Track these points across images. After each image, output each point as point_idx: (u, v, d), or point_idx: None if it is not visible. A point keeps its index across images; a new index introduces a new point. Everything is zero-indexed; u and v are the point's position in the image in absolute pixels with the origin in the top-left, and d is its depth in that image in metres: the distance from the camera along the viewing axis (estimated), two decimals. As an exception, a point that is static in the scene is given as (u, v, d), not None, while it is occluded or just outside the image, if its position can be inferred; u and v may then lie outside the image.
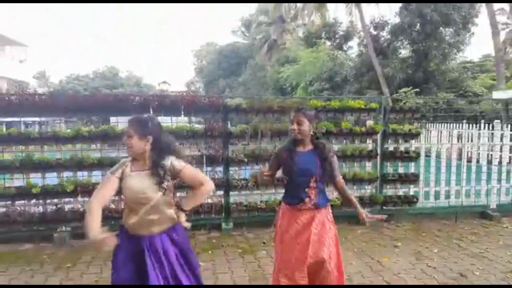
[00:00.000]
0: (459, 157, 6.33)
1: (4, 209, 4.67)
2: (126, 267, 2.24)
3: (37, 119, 5.09)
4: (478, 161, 6.55)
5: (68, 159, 4.68)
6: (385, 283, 3.55)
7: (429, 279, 3.66)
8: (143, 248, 2.21)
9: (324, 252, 2.55)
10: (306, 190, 2.61)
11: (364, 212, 2.71)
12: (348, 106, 5.23)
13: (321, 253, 2.55)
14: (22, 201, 4.73)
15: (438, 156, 6.13)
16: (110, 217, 4.54)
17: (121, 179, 2.23)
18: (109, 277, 3.61)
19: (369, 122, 5.53)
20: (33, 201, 4.74)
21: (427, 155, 6.11)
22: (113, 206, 4.84)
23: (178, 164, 2.28)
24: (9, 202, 4.69)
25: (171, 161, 2.27)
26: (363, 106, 5.25)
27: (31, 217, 4.62)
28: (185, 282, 2.26)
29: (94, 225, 2.09)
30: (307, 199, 2.62)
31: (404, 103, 5.77)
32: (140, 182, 2.21)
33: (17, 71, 27.64)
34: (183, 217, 2.34)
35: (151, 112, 4.54)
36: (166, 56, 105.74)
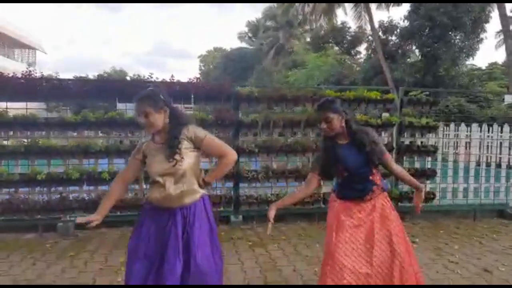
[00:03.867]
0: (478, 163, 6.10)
1: (7, 197, 4.52)
2: (148, 241, 2.09)
3: (42, 107, 4.92)
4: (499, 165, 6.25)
5: (75, 145, 4.53)
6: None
7: (452, 274, 3.45)
8: (168, 220, 2.09)
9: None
10: (371, 178, 2.36)
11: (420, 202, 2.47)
12: (363, 97, 5.05)
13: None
14: (26, 189, 4.59)
15: (455, 160, 5.92)
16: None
17: (143, 159, 2.17)
18: (114, 265, 3.51)
19: (385, 115, 5.33)
20: (38, 188, 4.58)
21: (444, 159, 5.90)
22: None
23: (200, 131, 2.15)
24: (13, 189, 4.55)
25: (192, 128, 2.13)
26: (378, 97, 5.07)
27: (35, 205, 4.46)
28: (201, 260, 2.08)
29: (101, 205, 2.19)
30: (374, 187, 2.35)
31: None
32: (160, 156, 2.09)
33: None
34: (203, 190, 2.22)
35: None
36: (172, 60, 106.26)
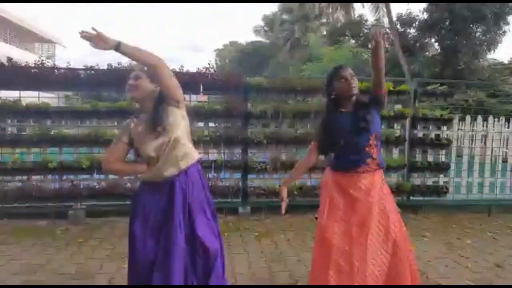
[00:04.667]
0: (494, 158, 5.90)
1: (20, 184, 4.62)
2: (149, 219, 2.07)
3: (55, 96, 4.99)
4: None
5: (86, 134, 4.59)
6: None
7: (462, 268, 3.35)
8: (167, 192, 2.08)
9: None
10: (367, 149, 2.30)
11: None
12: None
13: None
14: (38, 177, 4.68)
15: (471, 155, 5.75)
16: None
17: (130, 142, 2.12)
18: (122, 252, 3.54)
19: (398, 106, 5.21)
20: (49, 176, 4.67)
21: (459, 153, 5.74)
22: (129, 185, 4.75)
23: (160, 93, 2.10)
24: (25, 177, 4.65)
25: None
26: (391, 88, 4.95)
27: (47, 192, 4.55)
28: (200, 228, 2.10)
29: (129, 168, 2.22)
30: (369, 160, 2.30)
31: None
32: (147, 132, 2.05)
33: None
34: None
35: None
36: (187, 53, 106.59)
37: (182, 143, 2.09)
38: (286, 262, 3.44)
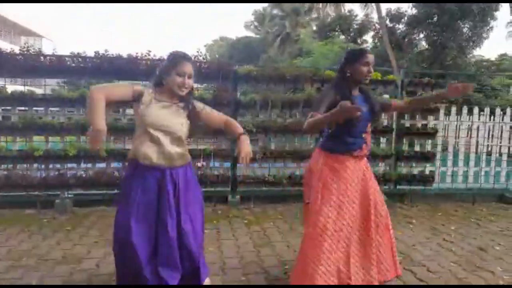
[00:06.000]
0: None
1: (5, 172, 4.56)
2: (138, 207, 2.05)
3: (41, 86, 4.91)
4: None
5: (72, 122, 4.54)
6: (399, 254, 3.31)
7: (446, 252, 3.43)
8: (163, 179, 2.08)
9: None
10: (364, 136, 2.37)
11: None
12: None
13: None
14: (24, 165, 4.62)
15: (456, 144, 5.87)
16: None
17: (137, 100, 2.06)
18: (109, 239, 3.53)
19: (385, 96, 5.27)
20: (35, 165, 4.62)
21: (444, 149, 5.86)
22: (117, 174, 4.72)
23: (198, 104, 2.23)
24: (11, 166, 4.58)
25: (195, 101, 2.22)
26: (379, 78, 5.00)
27: (33, 181, 4.50)
28: (187, 227, 2.12)
29: (100, 115, 1.85)
30: (364, 145, 2.37)
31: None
32: (167, 113, 2.09)
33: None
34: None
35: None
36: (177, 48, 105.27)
37: (183, 142, 2.17)
38: (275, 247, 3.47)
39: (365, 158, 2.48)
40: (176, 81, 2.05)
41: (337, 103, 2.04)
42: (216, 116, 2.28)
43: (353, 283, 2.21)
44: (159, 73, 2.11)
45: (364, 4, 22.40)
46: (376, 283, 2.29)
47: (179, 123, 2.10)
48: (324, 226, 2.21)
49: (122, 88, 2.09)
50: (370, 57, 2.30)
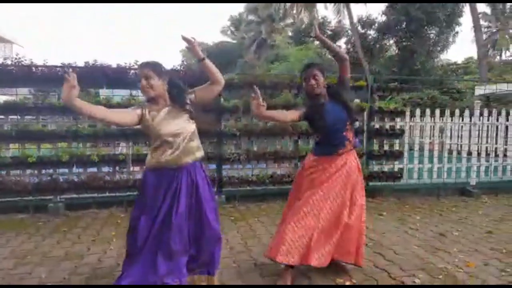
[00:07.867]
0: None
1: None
2: (153, 205, 2.33)
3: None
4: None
5: (64, 129, 4.77)
6: (369, 241, 3.74)
7: (411, 238, 3.88)
8: (173, 179, 2.35)
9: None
10: (345, 134, 2.75)
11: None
12: (335, 83, 5.42)
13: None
14: (17, 171, 4.80)
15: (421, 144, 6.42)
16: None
17: (142, 117, 2.29)
18: (106, 237, 3.79)
19: (356, 101, 5.75)
20: (29, 171, 4.81)
21: (411, 148, 6.41)
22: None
23: (189, 96, 2.43)
24: (4, 172, 4.76)
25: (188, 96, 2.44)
26: (350, 84, 5.45)
27: (26, 186, 4.68)
28: (210, 215, 2.49)
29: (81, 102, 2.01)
30: (347, 142, 2.77)
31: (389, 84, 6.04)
32: (171, 118, 2.33)
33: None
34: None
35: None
36: (153, 55, 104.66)
37: (197, 135, 2.45)
38: (260, 238, 3.83)
39: (354, 152, 2.87)
40: (141, 85, 2.29)
41: (312, 109, 2.66)
42: (203, 86, 2.44)
43: (312, 247, 2.61)
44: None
45: (337, 10, 23.20)
46: (328, 259, 2.70)
47: (184, 120, 2.35)
48: (306, 200, 2.69)
49: (125, 113, 2.29)
50: (308, 72, 2.71)
